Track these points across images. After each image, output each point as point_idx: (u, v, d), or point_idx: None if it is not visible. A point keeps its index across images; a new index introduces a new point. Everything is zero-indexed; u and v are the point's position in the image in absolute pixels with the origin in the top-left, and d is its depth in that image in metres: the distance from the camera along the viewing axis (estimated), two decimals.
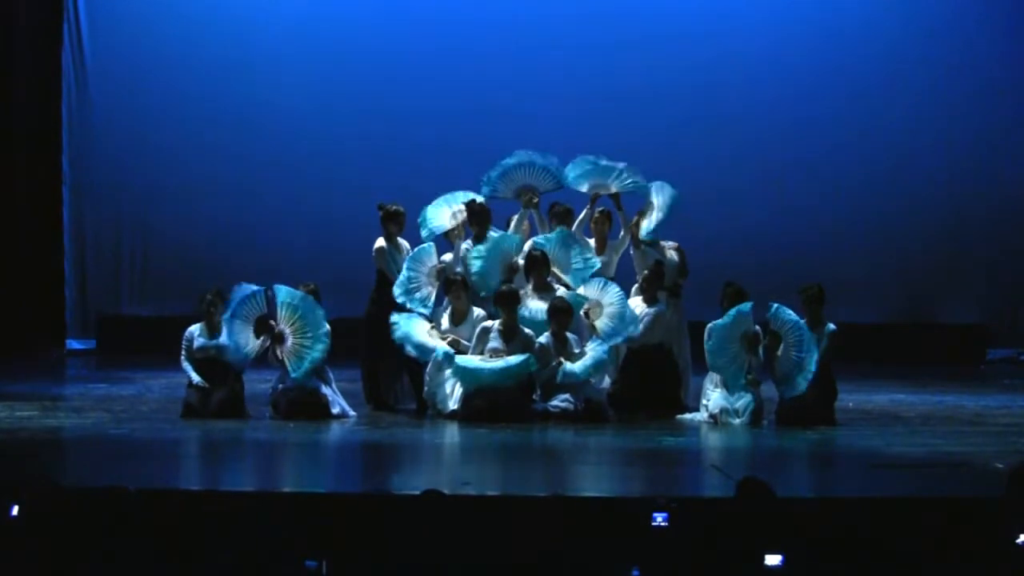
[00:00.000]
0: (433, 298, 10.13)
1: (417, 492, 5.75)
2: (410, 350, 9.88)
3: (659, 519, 5.22)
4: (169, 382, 11.49)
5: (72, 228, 15.07)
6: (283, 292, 9.78)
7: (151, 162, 14.95)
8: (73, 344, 15.00)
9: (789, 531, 5.19)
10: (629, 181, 10.50)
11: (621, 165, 10.54)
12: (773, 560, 4.96)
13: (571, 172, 10.54)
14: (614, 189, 10.50)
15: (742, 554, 5.03)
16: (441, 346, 9.85)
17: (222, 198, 14.96)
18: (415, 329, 9.94)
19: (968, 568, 5.16)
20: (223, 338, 9.77)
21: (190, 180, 14.95)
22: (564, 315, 9.74)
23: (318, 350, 9.67)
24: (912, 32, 14.94)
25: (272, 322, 9.69)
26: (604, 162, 10.55)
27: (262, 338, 9.66)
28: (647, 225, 10.41)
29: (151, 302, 15.06)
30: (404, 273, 10.09)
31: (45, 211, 14.95)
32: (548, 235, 10.35)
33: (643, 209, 10.49)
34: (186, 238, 14.95)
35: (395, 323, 9.93)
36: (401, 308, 10.08)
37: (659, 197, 10.43)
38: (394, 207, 10.32)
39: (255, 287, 9.84)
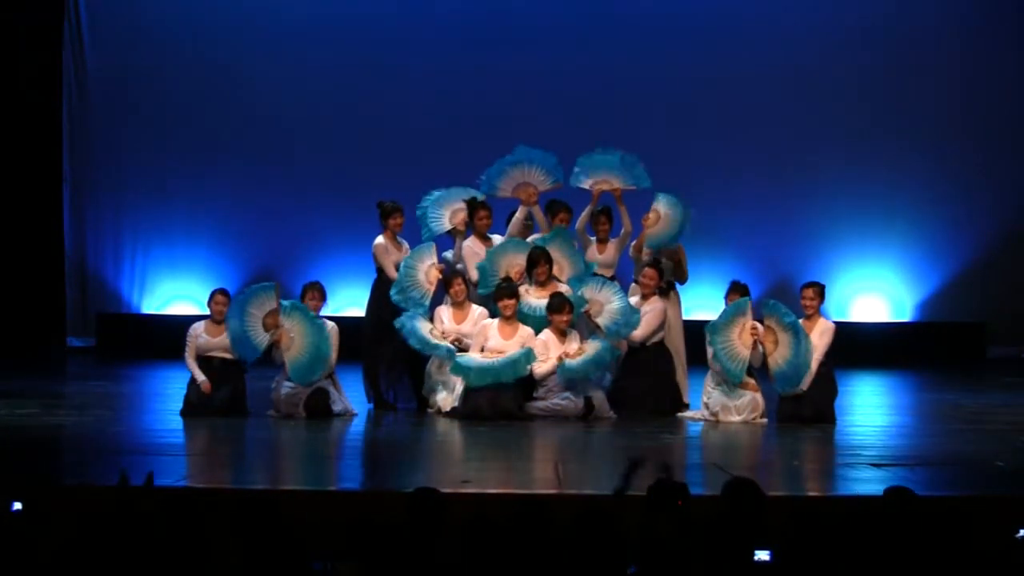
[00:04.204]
0: (429, 297, 10.13)
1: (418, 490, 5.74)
2: (414, 343, 9.89)
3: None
4: (169, 379, 11.50)
5: (72, 227, 15.09)
6: (287, 302, 9.83)
7: (151, 161, 14.95)
8: (73, 342, 15.02)
9: (780, 529, 5.19)
10: (631, 178, 10.47)
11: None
12: (762, 556, 4.97)
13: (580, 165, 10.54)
14: (616, 185, 10.48)
15: (733, 551, 5.04)
16: (445, 344, 9.86)
17: (222, 197, 14.97)
18: (419, 327, 9.95)
19: (968, 567, 5.15)
20: (229, 335, 9.78)
21: (190, 179, 14.96)
22: (564, 310, 9.74)
23: (320, 354, 9.66)
24: (910, 35, 14.94)
25: (279, 319, 9.69)
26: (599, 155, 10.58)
27: (270, 332, 9.67)
28: (654, 237, 10.33)
29: (151, 300, 15.07)
30: (401, 270, 10.11)
31: (45, 210, 14.96)
32: (546, 235, 10.34)
33: (648, 217, 10.37)
34: (186, 237, 14.97)
35: (400, 325, 9.93)
36: (401, 308, 10.09)
37: (668, 209, 10.33)
38: (392, 204, 10.33)
39: (266, 283, 9.89)
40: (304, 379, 9.68)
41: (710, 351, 9.69)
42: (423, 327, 9.96)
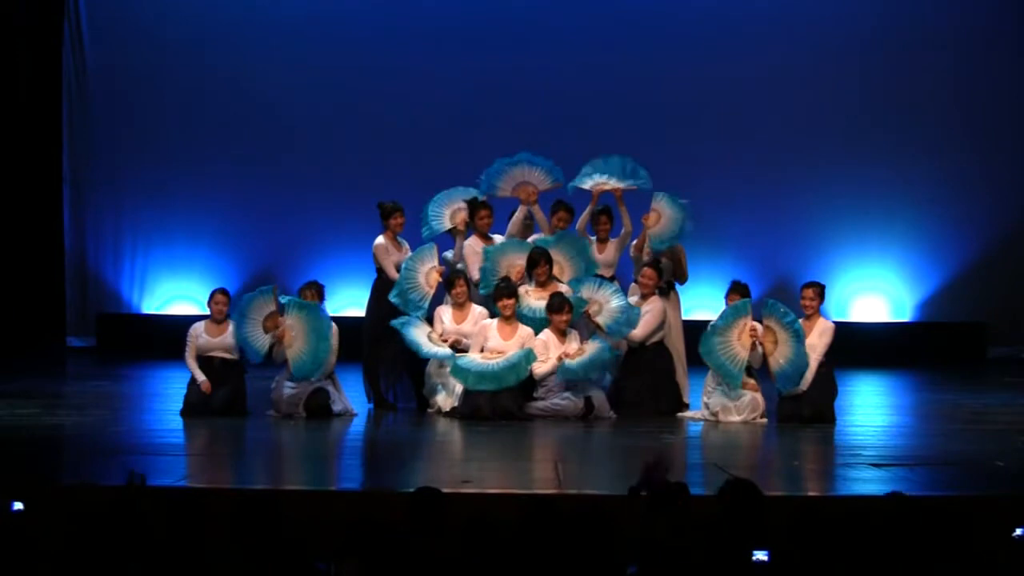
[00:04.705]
0: (428, 300, 10.13)
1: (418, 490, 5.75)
2: (412, 347, 9.89)
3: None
4: (169, 379, 11.50)
5: (72, 227, 15.09)
6: (286, 298, 9.84)
7: (151, 161, 14.96)
8: (73, 342, 15.02)
9: (780, 529, 5.19)
10: (631, 179, 10.47)
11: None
12: (760, 556, 4.97)
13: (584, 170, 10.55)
14: (617, 186, 10.47)
15: (732, 551, 5.04)
16: (442, 350, 9.86)
17: (222, 197, 14.97)
18: (416, 332, 9.95)
19: (967, 566, 5.16)
20: (229, 335, 9.78)
21: (190, 179, 14.97)
22: (563, 310, 9.73)
23: (321, 350, 9.67)
24: (910, 35, 14.94)
25: (280, 319, 9.69)
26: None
27: (271, 334, 9.67)
28: (656, 236, 10.31)
29: (151, 300, 15.07)
30: (402, 272, 10.11)
31: (45, 210, 14.96)
32: (547, 237, 10.34)
33: (649, 216, 10.34)
34: (186, 237, 14.97)
35: (398, 326, 9.93)
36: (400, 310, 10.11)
37: (669, 209, 10.32)
38: (393, 205, 10.33)
39: (264, 287, 9.91)
40: (307, 375, 9.67)
41: (708, 356, 9.65)
42: (420, 333, 9.95)
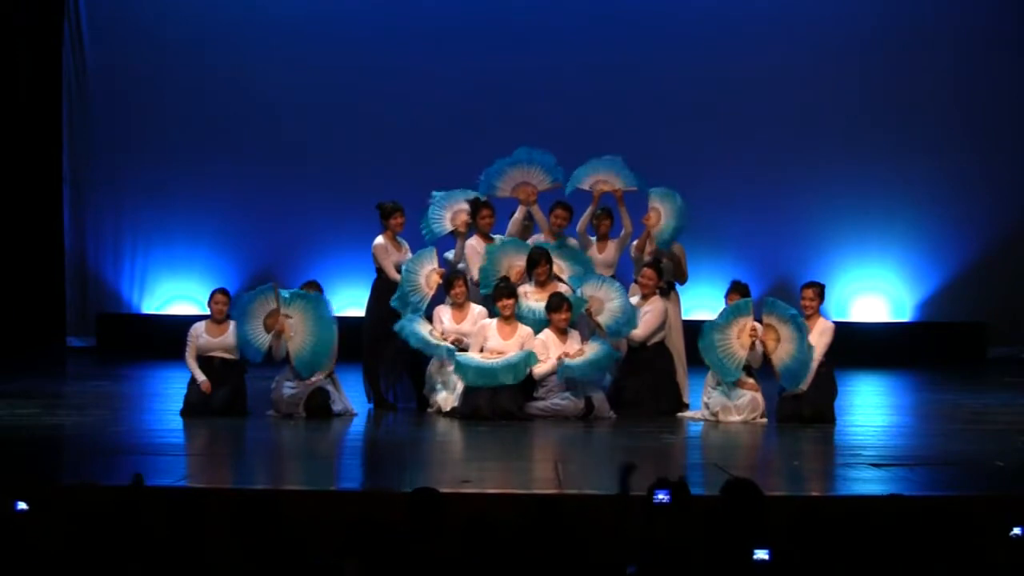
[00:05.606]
0: (427, 302, 10.13)
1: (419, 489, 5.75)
2: (415, 343, 9.89)
3: (660, 496, 5.21)
4: (169, 379, 11.50)
5: (72, 227, 15.09)
6: (287, 292, 9.83)
7: (151, 161, 14.95)
8: (73, 342, 15.02)
9: (780, 529, 5.19)
10: (632, 178, 10.48)
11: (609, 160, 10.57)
12: (761, 555, 4.97)
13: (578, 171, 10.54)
14: (617, 186, 10.48)
15: (732, 550, 5.04)
16: (444, 345, 9.86)
17: (222, 197, 14.97)
18: (418, 329, 9.95)
19: (966, 566, 5.16)
20: (229, 335, 9.78)
21: (190, 179, 14.96)
22: (562, 309, 9.73)
23: (322, 342, 9.67)
24: (910, 35, 14.93)
25: (282, 315, 9.66)
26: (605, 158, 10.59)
27: (272, 333, 9.66)
28: (660, 233, 10.29)
29: (151, 300, 15.07)
30: (403, 274, 10.11)
31: (45, 210, 14.96)
32: (547, 243, 10.32)
33: (649, 216, 10.33)
34: (186, 237, 14.97)
35: (400, 327, 9.93)
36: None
37: (667, 205, 10.32)
38: (393, 205, 10.33)
39: (264, 286, 9.90)
40: (309, 370, 9.67)
41: (703, 354, 9.65)
42: (422, 328, 9.96)
